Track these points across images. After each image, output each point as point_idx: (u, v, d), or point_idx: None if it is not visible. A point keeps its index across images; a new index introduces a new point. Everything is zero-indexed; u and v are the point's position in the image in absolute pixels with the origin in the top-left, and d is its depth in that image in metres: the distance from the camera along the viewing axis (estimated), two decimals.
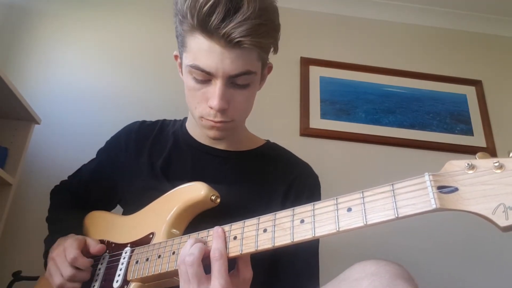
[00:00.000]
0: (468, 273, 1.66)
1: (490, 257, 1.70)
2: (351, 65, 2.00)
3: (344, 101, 1.93)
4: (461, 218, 1.75)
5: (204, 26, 0.71)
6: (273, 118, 1.83)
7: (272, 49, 0.82)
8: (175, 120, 1.04)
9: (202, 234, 0.67)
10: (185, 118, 1.01)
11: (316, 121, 1.85)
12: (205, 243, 0.64)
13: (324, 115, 1.88)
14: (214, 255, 0.60)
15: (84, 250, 0.82)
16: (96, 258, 0.84)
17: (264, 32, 0.74)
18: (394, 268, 0.53)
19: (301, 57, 1.98)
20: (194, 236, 0.68)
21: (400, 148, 1.85)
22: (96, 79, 1.81)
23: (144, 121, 1.04)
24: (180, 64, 0.86)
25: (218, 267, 0.60)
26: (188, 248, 0.63)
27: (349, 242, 1.62)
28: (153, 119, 1.07)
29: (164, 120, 1.05)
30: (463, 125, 1.95)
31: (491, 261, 1.70)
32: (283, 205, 0.61)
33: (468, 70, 2.08)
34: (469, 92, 2.03)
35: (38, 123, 1.51)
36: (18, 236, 1.49)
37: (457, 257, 1.68)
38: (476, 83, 2.05)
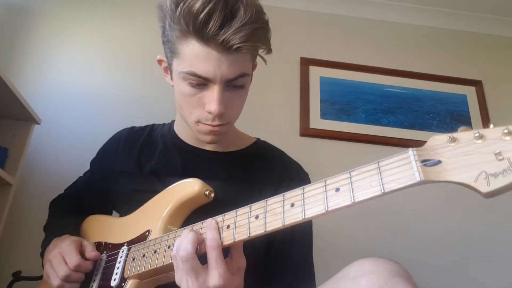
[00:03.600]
0: (466, 272, 1.66)
1: (489, 256, 1.70)
2: (351, 65, 2.00)
3: (344, 101, 1.93)
4: (461, 218, 1.75)
5: (201, 33, 0.70)
6: (273, 118, 1.83)
7: (263, 50, 0.81)
8: (163, 124, 1.05)
9: (196, 226, 0.67)
10: (173, 121, 1.02)
11: (316, 121, 1.85)
12: (200, 235, 0.65)
13: (324, 115, 1.88)
14: (211, 245, 0.61)
15: (81, 252, 0.82)
16: None
17: (261, 36, 0.75)
18: (392, 265, 0.53)
19: (301, 57, 1.98)
20: (188, 228, 0.68)
21: (400, 148, 1.84)
22: (96, 79, 1.81)
23: (133, 127, 1.05)
24: (167, 69, 0.86)
25: (215, 257, 0.60)
26: (183, 241, 0.63)
27: (347, 240, 1.62)
28: (153, 118, 1.07)
29: (153, 124, 1.05)
30: (463, 125, 1.94)
31: (490, 260, 1.70)
32: None
33: (468, 70, 2.08)
34: (469, 92, 2.03)
35: (38, 123, 1.51)
36: (18, 236, 1.49)
37: (456, 256, 1.68)
38: (476, 83, 2.05)
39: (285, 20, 2.06)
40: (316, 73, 1.96)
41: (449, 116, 1.96)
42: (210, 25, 0.69)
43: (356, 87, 1.97)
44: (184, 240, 0.63)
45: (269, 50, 0.81)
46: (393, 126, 1.90)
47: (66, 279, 0.78)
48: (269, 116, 1.83)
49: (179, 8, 0.71)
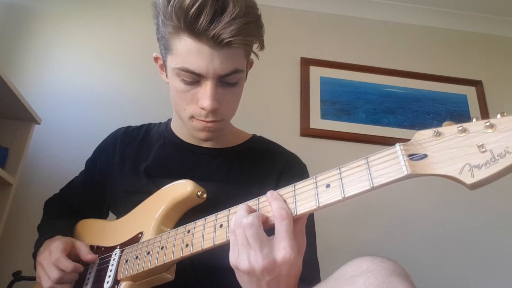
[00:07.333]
0: (465, 271, 1.66)
1: (488, 256, 1.70)
2: (351, 65, 2.00)
3: (344, 101, 1.93)
4: (459, 217, 1.75)
5: (192, 28, 0.71)
6: (273, 119, 1.83)
7: (257, 46, 0.81)
8: (160, 123, 1.04)
9: (252, 202, 0.62)
10: (169, 120, 1.02)
11: (317, 122, 1.85)
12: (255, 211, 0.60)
13: (324, 115, 1.88)
14: (280, 214, 0.55)
15: (73, 254, 0.82)
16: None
17: (252, 30, 0.75)
18: (390, 264, 0.52)
19: (301, 57, 1.98)
20: (244, 204, 0.62)
21: None
22: (96, 79, 1.81)
23: (129, 126, 1.04)
24: (162, 66, 0.86)
25: (285, 227, 0.55)
26: (242, 213, 0.58)
27: (345, 239, 1.62)
28: (153, 118, 1.07)
29: (150, 124, 1.05)
30: None
31: (489, 260, 1.70)
32: None
33: (468, 70, 2.08)
34: (469, 92, 2.03)
35: (38, 123, 1.51)
36: (18, 236, 1.49)
37: (454, 255, 1.68)
38: (476, 83, 2.05)
39: (285, 20, 2.06)
40: (316, 73, 1.96)
41: (449, 116, 1.96)
42: (201, 20, 0.69)
43: (356, 87, 1.97)
44: (244, 212, 0.58)
45: (262, 46, 0.81)
46: (393, 126, 1.90)
47: (58, 281, 0.78)
48: (269, 116, 1.83)
49: (170, 4, 0.71)
